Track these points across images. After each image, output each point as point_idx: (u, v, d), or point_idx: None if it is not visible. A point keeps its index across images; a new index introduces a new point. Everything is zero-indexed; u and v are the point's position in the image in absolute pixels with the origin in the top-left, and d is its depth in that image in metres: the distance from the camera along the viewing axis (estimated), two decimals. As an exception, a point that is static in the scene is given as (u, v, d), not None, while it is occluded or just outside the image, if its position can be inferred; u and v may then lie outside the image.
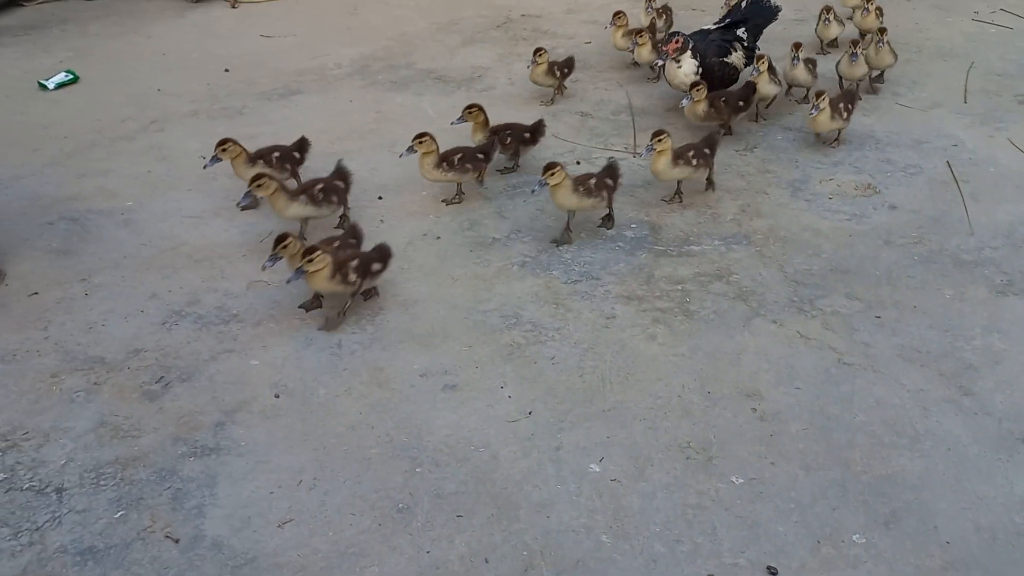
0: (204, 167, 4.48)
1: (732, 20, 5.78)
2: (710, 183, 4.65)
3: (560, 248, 4.24)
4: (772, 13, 6.03)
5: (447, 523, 2.76)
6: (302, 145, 4.75)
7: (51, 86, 6.47)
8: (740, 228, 4.36)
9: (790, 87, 5.68)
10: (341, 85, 6.53)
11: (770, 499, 2.82)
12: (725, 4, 6.54)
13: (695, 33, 5.59)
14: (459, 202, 4.64)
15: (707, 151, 4.53)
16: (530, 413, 3.20)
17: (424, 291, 3.96)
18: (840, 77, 5.67)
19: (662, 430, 3.11)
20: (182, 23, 8.19)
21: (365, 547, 2.68)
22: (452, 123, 4.87)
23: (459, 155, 4.50)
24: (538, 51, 5.71)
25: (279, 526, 2.76)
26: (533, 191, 4.17)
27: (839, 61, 5.62)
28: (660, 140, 4.36)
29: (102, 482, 2.95)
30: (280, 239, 3.62)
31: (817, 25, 6.51)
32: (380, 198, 4.75)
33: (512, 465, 2.97)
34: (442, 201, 4.63)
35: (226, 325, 3.78)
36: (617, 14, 6.26)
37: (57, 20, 8.27)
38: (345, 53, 7.27)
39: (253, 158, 4.49)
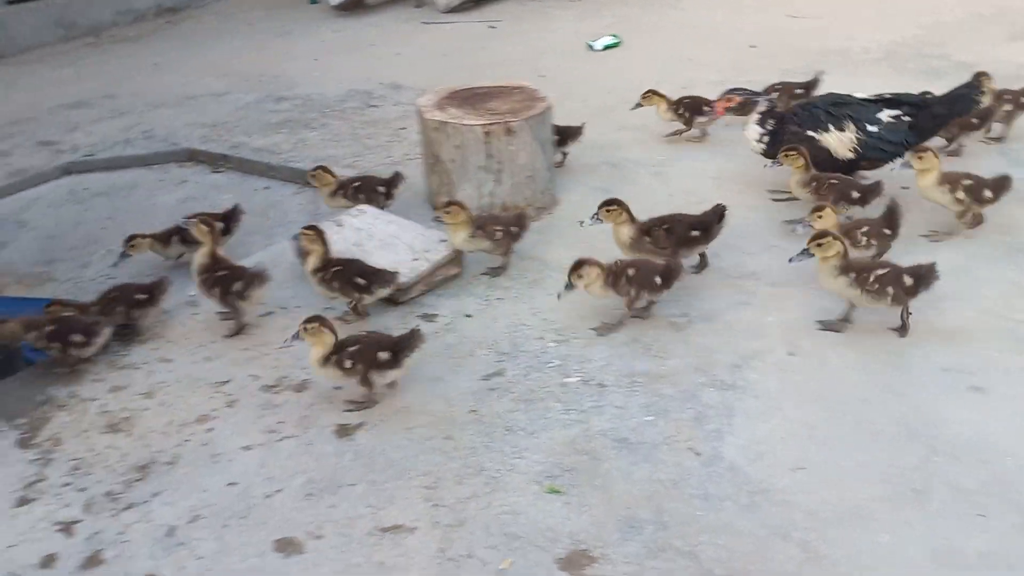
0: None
1: (894, 97, 4.47)
2: None
3: None
4: (967, 105, 4.53)
5: (965, 517, 2.70)
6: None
7: (598, 47, 7.34)
8: None
9: None
10: (867, 70, 6.42)
11: None
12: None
13: (828, 95, 4.63)
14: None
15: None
16: (1071, 435, 2.97)
17: (950, 290, 3.81)
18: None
19: None
20: (711, -1, 8.66)
21: (875, 513, 2.75)
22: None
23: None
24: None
25: (791, 469, 2.95)
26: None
27: None
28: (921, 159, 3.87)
29: (635, 388, 3.41)
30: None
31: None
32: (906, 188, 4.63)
33: (1045, 481, 2.79)
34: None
35: (744, 280, 4.04)
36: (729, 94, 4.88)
37: (603, -10, 9.29)
38: (873, 38, 7.10)
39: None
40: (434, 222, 4.20)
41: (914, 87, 5.78)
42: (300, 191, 5.37)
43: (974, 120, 4.88)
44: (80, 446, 3.25)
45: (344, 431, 3.27)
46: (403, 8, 9.29)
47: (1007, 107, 5.08)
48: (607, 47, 7.32)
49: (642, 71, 6.79)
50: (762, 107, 4.49)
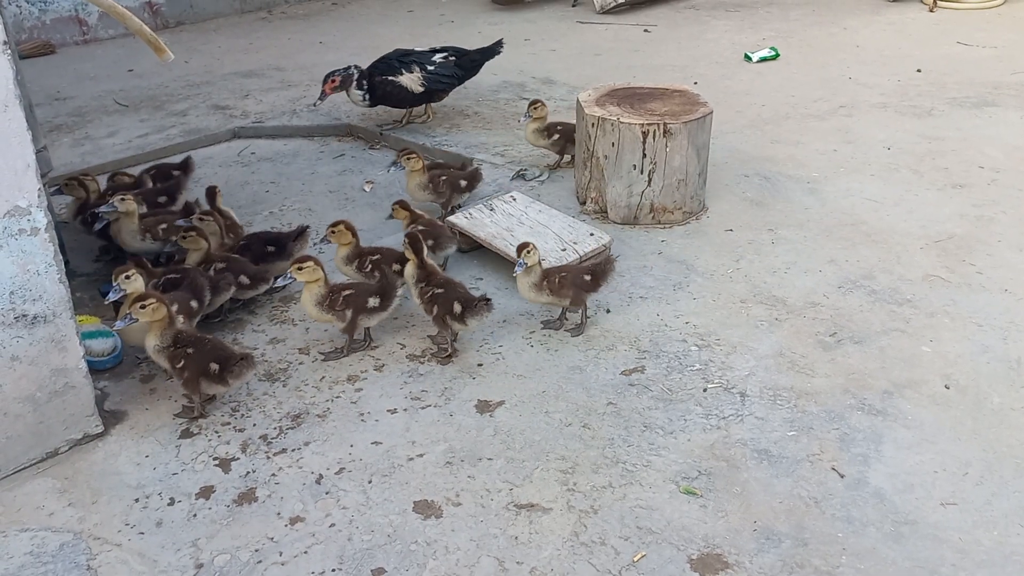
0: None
1: (443, 48, 5.99)
2: None
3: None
4: (489, 56, 6.11)
5: None
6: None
7: (755, 59, 7.22)
8: None
9: None
10: (1046, 105, 6.07)
11: None
12: None
13: (395, 50, 5.95)
14: None
15: None
16: None
17: None
18: None
19: None
20: (877, 20, 8.38)
21: (1034, 561, 2.62)
22: None
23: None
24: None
25: (942, 504, 2.84)
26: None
27: None
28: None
29: (778, 401, 3.35)
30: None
31: None
32: None
33: None
34: None
35: (899, 307, 3.91)
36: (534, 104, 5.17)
37: (763, 2, 9.12)
38: (1054, 72, 6.71)
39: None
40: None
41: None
42: (450, 174, 5.51)
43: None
44: (239, 390, 3.45)
45: (485, 407, 3.35)
46: (559, 6, 9.38)
47: (555, 137, 5.18)
48: (763, 59, 7.19)
49: (799, 87, 6.64)
50: (356, 75, 5.69)
